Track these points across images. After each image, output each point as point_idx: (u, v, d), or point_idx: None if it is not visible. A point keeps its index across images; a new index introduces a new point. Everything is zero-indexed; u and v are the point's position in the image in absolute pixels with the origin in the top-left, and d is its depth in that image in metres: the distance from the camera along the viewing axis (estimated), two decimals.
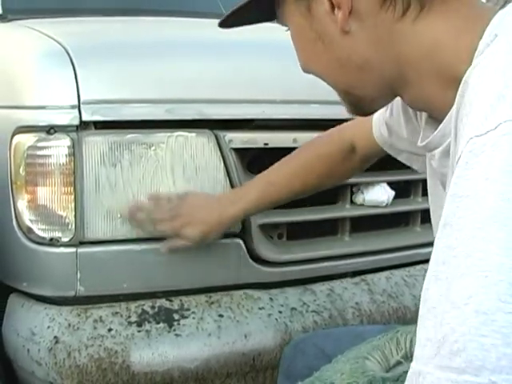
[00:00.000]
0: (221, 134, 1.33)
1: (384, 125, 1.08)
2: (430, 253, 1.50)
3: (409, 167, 1.59)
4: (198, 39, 1.46)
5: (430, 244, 1.51)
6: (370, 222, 1.56)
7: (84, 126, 1.27)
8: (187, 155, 1.31)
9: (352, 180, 1.50)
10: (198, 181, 1.32)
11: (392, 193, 1.53)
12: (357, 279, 1.51)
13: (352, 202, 1.52)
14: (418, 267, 1.59)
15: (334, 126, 1.42)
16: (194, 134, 1.32)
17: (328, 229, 1.52)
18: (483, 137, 0.57)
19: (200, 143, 1.32)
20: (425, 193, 1.60)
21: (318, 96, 1.41)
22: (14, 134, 1.30)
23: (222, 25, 0.92)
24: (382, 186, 1.52)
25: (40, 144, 1.27)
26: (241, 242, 1.38)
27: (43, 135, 1.27)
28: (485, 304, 0.53)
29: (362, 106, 0.85)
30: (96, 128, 1.29)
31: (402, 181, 1.57)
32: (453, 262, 0.56)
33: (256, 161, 1.41)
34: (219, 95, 1.34)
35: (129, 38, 1.42)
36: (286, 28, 0.86)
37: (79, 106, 1.26)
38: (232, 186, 1.35)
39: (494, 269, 0.53)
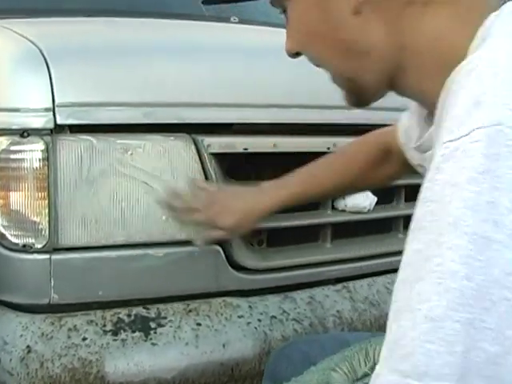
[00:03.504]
0: (199, 138, 1.29)
1: (404, 131, 1.05)
2: None
3: None
4: (178, 41, 1.41)
5: None
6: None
7: (59, 129, 1.22)
8: (165, 160, 1.27)
9: None
10: (176, 186, 1.28)
11: (374, 198, 1.49)
12: (338, 286, 1.47)
13: (333, 207, 1.48)
14: None
15: (315, 131, 1.38)
16: (171, 139, 1.27)
17: (309, 235, 1.48)
18: (455, 142, 0.56)
19: (178, 148, 1.28)
20: (408, 198, 1.57)
21: (298, 100, 1.38)
22: None
23: (206, 1, 0.88)
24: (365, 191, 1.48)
25: (13, 148, 1.22)
26: (219, 248, 1.34)
27: (16, 138, 1.22)
28: (435, 310, 0.53)
29: (360, 95, 0.81)
30: (71, 132, 1.24)
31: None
32: (415, 265, 0.56)
33: (236, 166, 1.38)
34: (198, 99, 1.29)
35: (107, 40, 1.37)
36: (278, 10, 0.82)
37: (54, 108, 1.21)
38: None
39: (448, 276, 0.53)
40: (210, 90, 1.31)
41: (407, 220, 1.60)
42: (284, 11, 0.81)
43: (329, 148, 1.39)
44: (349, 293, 1.46)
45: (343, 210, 1.48)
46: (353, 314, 1.42)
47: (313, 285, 1.46)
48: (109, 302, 1.30)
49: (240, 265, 1.36)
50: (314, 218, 1.46)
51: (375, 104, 1.47)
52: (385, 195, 1.54)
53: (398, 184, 1.55)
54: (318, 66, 0.81)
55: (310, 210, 1.48)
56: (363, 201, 1.47)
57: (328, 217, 1.46)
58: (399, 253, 1.53)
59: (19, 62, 1.27)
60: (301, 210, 1.46)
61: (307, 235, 1.48)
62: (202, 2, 0.89)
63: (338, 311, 1.41)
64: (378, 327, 1.44)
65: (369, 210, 1.48)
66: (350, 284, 1.48)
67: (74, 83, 1.24)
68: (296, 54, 0.83)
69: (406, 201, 1.57)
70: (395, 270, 1.53)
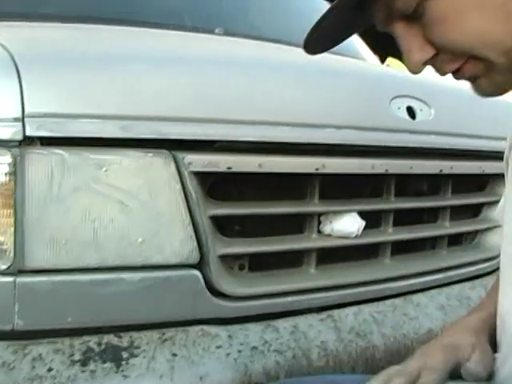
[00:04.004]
0: (180, 155, 1.18)
1: None
2: (400, 287, 1.37)
3: (379, 195, 1.48)
4: (160, 51, 1.30)
5: (401, 278, 1.39)
6: (338, 253, 1.43)
7: (28, 141, 1.11)
8: (142, 177, 1.16)
9: (319, 208, 1.36)
10: (153, 206, 1.17)
11: (362, 223, 1.39)
12: (323, 315, 1.36)
13: (319, 231, 1.38)
14: (388, 302, 1.45)
15: (303, 151, 1.29)
16: (150, 155, 1.17)
17: (293, 260, 1.38)
18: None
19: (157, 165, 1.17)
20: (396, 223, 1.48)
21: (287, 117, 1.28)
22: None
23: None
24: (352, 215, 1.38)
25: None
26: (198, 273, 1.23)
27: None
28: None
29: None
30: (41, 144, 1.12)
31: (372, 210, 1.44)
32: None
33: (217, 185, 1.27)
34: (179, 113, 1.18)
35: (83, 47, 1.26)
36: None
37: (23, 118, 1.10)
38: (190, 212, 1.20)
39: None
40: (193, 104, 1.21)
41: (395, 246, 1.53)
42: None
43: (317, 169, 1.29)
44: (334, 322, 1.35)
45: (329, 235, 1.38)
46: (338, 345, 1.31)
47: (296, 313, 1.35)
48: (78, 329, 1.18)
49: (220, 291, 1.25)
50: (299, 242, 1.35)
51: (368, 124, 1.39)
52: (372, 219, 1.44)
53: (386, 208, 1.46)
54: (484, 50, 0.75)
55: (294, 233, 1.38)
56: (351, 225, 1.37)
57: (313, 241, 1.36)
58: (386, 280, 1.46)
59: None
60: (285, 233, 1.36)
61: (291, 260, 1.38)
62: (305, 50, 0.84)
63: (322, 342, 1.31)
64: (365, 359, 1.34)
65: (356, 236, 1.38)
66: (335, 313, 1.38)
67: (46, 92, 1.13)
68: (424, 64, 0.79)
69: (394, 225, 1.48)
70: (382, 298, 1.47)
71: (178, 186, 1.18)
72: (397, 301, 1.46)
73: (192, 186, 1.19)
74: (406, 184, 1.54)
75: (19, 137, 1.10)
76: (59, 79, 1.14)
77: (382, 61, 2.61)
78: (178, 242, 1.19)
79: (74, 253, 1.14)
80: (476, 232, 1.71)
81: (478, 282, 1.64)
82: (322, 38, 0.85)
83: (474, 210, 1.73)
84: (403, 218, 1.53)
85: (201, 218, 1.20)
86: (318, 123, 1.30)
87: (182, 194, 1.19)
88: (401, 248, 1.52)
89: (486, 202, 1.71)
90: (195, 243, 1.21)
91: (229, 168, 1.21)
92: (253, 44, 1.62)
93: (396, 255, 1.50)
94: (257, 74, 1.30)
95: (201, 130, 1.20)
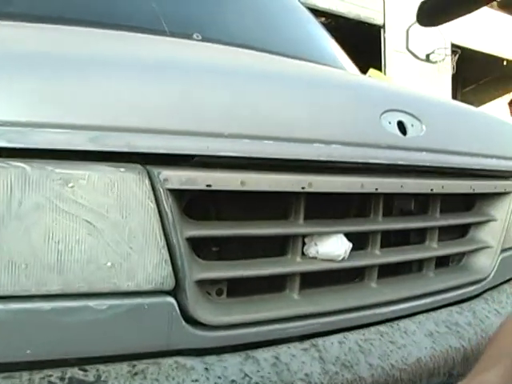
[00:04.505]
0: (155, 170, 1.05)
1: None
2: (386, 313, 1.24)
3: (367, 215, 1.36)
4: (134, 57, 1.16)
5: (388, 303, 1.26)
6: (322, 277, 1.30)
7: None
8: (112, 195, 1.02)
9: (304, 229, 1.24)
10: (125, 227, 1.03)
11: (349, 245, 1.27)
12: (306, 344, 1.23)
13: (303, 254, 1.25)
14: (374, 329, 1.33)
15: (289, 168, 1.16)
16: (121, 170, 1.03)
17: (275, 284, 1.25)
18: None
19: (129, 181, 1.03)
20: (384, 244, 1.36)
21: (271, 131, 1.15)
22: None
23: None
24: (339, 237, 1.26)
25: None
26: (173, 300, 1.09)
27: None
28: None
29: None
30: (1, 156, 0.99)
31: (359, 232, 1.32)
32: None
33: (194, 203, 1.14)
34: (154, 124, 1.05)
35: (50, 50, 1.11)
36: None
37: None
38: (165, 233, 1.06)
39: None
40: (169, 115, 1.07)
41: (381, 268, 1.41)
42: None
43: (303, 188, 1.17)
44: (318, 352, 1.22)
45: (314, 257, 1.25)
46: (323, 378, 1.18)
47: (277, 342, 1.22)
48: (39, 361, 1.04)
49: (196, 319, 1.11)
50: (282, 266, 1.22)
51: (358, 140, 1.27)
52: (358, 241, 1.32)
53: (374, 229, 1.34)
54: None
55: (276, 255, 1.25)
56: (338, 248, 1.25)
57: (297, 265, 1.23)
58: (373, 306, 1.34)
59: None
60: (266, 254, 1.23)
61: (272, 284, 1.25)
62: (418, 22, 0.73)
63: (306, 374, 1.18)
64: None
65: (343, 259, 1.26)
66: (319, 341, 1.25)
67: (6, 98, 0.99)
68: None
69: (382, 246, 1.36)
70: (367, 325, 1.34)
71: (153, 205, 1.05)
72: (383, 327, 1.34)
73: (168, 204, 1.05)
74: (392, 203, 1.43)
75: None
76: (22, 84, 1.00)
77: (362, 71, 2.51)
78: (151, 267, 1.06)
79: (35, 278, 1.00)
80: (463, 253, 1.60)
81: (465, 305, 1.53)
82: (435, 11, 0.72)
83: (461, 231, 1.62)
84: (389, 239, 1.41)
85: (177, 239, 1.07)
86: (305, 138, 1.18)
87: (157, 214, 1.05)
88: (387, 271, 1.40)
89: (473, 222, 1.60)
90: (170, 268, 1.07)
91: (208, 185, 1.08)
92: (234, 51, 1.49)
93: (382, 278, 1.38)
94: (239, 84, 1.17)
95: (177, 143, 1.07)
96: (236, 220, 1.19)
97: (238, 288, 1.21)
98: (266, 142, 1.13)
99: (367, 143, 1.25)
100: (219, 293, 1.19)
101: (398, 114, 1.33)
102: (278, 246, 1.24)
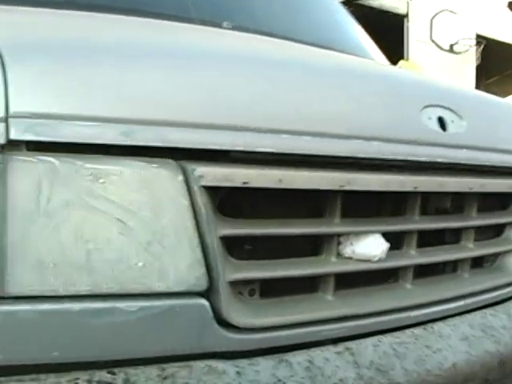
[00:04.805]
0: (189, 167, 0.98)
1: None
2: (421, 316, 1.17)
3: (403, 214, 1.30)
4: (170, 46, 1.09)
5: (422, 305, 1.20)
6: (356, 278, 1.24)
7: (12, 146, 0.91)
8: (144, 192, 0.96)
9: (341, 229, 1.17)
10: (157, 225, 0.97)
11: (386, 245, 1.20)
12: (340, 347, 1.17)
13: (339, 253, 1.19)
14: (408, 332, 1.26)
15: (327, 165, 1.10)
16: (154, 166, 0.97)
17: (307, 285, 1.19)
18: None
19: (162, 177, 0.97)
20: (420, 244, 1.29)
21: (311, 126, 1.09)
22: None
23: None
24: (376, 236, 1.20)
25: None
26: (205, 302, 1.03)
27: None
28: None
29: None
30: (28, 150, 0.93)
31: (396, 231, 1.26)
32: None
33: (227, 201, 1.08)
34: (189, 118, 0.99)
35: (82, 38, 1.04)
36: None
37: (7, 119, 0.90)
38: (199, 232, 1.00)
39: None
40: (206, 108, 1.01)
41: (416, 269, 1.34)
42: None
43: (342, 186, 1.10)
44: (352, 356, 1.16)
45: (349, 258, 1.19)
46: None
47: (310, 345, 1.16)
48: (65, 364, 0.98)
49: (229, 322, 1.05)
50: (316, 266, 1.16)
51: (398, 136, 1.20)
52: (393, 241, 1.25)
53: (410, 229, 1.27)
54: None
55: (309, 255, 1.18)
56: (375, 248, 1.18)
57: (332, 265, 1.17)
58: (408, 308, 1.27)
59: None
60: (299, 254, 1.17)
61: (306, 285, 1.18)
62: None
63: (340, 380, 1.12)
64: None
65: (380, 259, 1.19)
66: (353, 345, 1.18)
67: (35, 88, 0.93)
68: None
69: (418, 246, 1.29)
70: (401, 328, 1.28)
71: (186, 203, 0.98)
72: (417, 330, 1.27)
73: (202, 202, 0.99)
74: (428, 201, 1.36)
75: (2, 140, 0.90)
76: (52, 74, 0.94)
77: (393, 63, 2.43)
78: (183, 267, 1.00)
79: (64, 278, 0.94)
80: (498, 254, 1.53)
81: (499, 308, 1.46)
82: None
83: (496, 230, 1.55)
84: (424, 239, 1.34)
85: (211, 238, 1.01)
86: (344, 134, 1.11)
87: (191, 212, 0.99)
88: (421, 271, 1.33)
89: (509, 221, 1.52)
90: (203, 268, 1.01)
91: (245, 183, 1.02)
92: (267, 41, 1.42)
93: (416, 279, 1.31)
94: (279, 76, 1.10)
95: (213, 138, 1.00)
96: (269, 218, 1.13)
97: (270, 288, 1.15)
98: (304, 137, 1.07)
99: (407, 140, 1.19)
100: (252, 293, 1.13)
101: (439, 110, 1.26)
102: (312, 245, 1.18)
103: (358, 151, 1.12)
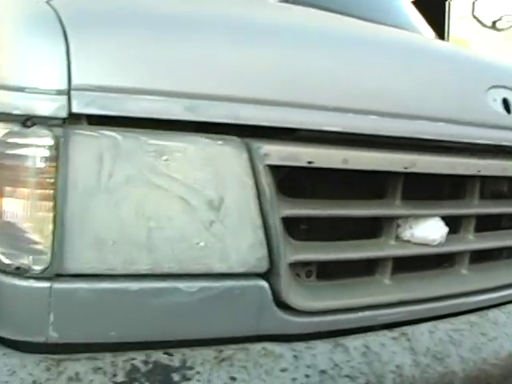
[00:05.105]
0: (254, 144, 0.94)
1: None
2: (476, 302, 1.12)
3: (462, 198, 1.24)
4: (240, 20, 1.03)
5: (478, 291, 1.15)
6: (413, 262, 1.19)
7: (74, 119, 0.87)
8: (209, 170, 0.92)
9: (401, 211, 1.12)
10: (220, 204, 0.93)
11: (446, 229, 1.15)
12: (395, 333, 1.13)
13: (397, 237, 1.14)
14: (463, 319, 1.22)
15: (391, 146, 1.04)
16: (219, 143, 0.92)
17: (365, 268, 1.14)
18: None
19: (227, 155, 0.92)
20: (478, 228, 1.24)
21: (377, 105, 1.03)
22: None
23: None
24: (436, 220, 1.15)
25: (11, 139, 0.87)
26: (265, 284, 0.99)
27: (16, 127, 0.86)
28: None
29: None
30: (90, 124, 0.88)
31: (455, 215, 1.20)
32: None
33: (287, 180, 1.03)
34: (256, 94, 0.94)
35: (149, 7, 0.99)
36: None
37: (69, 92, 0.86)
38: (262, 212, 0.96)
39: None
40: (272, 85, 0.96)
41: (473, 254, 1.29)
42: None
43: (406, 167, 1.05)
44: (408, 342, 1.12)
45: (408, 241, 1.14)
46: (414, 371, 1.08)
47: (365, 329, 1.12)
48: (122, 343, 0.94)
49: (287, 304, 1.01)
50: (375, 249, 1.11)
51: (462, 117, 1.14)
52: (451, 225, 1.20)
53: (469, 213, 1.22)
54: None
55: (367, 237, 1.14)
56: (434, 232, 1.14)
57: (391, 249, 1.12)
58: (463, 294, 1.22)
59: (27, 25, 0.90)
60: (356, 236, 1.12)
61: (363, 267, 1.14)
62: None
63: (397, 366, 1.07)
64: None
65: (439, 243, 1.14)
66: (409, 330, 1.14)
67: (98, 60, 0.88)
68: None
69: (476, 231, 1.24)
70: (457, 314, 1.23)
71: (251, 182, 0.94)
72: (473, 317, 1.22)
73: (266, 181, 0.94)
74: (486, 185, 1.30)
75: (63, 114, 0.86)
76: (116, 45, 0.90)
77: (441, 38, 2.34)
78: (245, 248, 0.95)
79: (123, 256, 0.90)
80: None
81: None
82: None
83: None
84: (481, 224, 1.29)
85: (273, 219, 0.96)
86: (409, 114, 1.06)
87: (254, 191, 0.94)
88: (478, 257, 1.28)
89: None
90: (265, 249, 0.97)
91: (310, 162, 0.97)
92: (340, 19, 1.36)
93: (473, 265, 1.26)
94: (345, 54, 1.05)
95: (279, 116, 0.96)
96: (329, 198, 1.08)
97: (327, 270, 1.10)
98: (370, 116, 1.01)
99: (472, 122, 1.13)
100: (308, 275, 1.09)
101: (503, 91, 1.20)
102: (371, 228, 1.13)
103: (423, 132, 1.06)
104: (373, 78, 1.04)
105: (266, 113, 0.94)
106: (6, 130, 0.87)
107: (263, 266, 0.97)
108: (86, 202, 0.88)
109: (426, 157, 1.08)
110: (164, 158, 0.89)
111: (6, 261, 0.89)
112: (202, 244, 0.93)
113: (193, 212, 0.92)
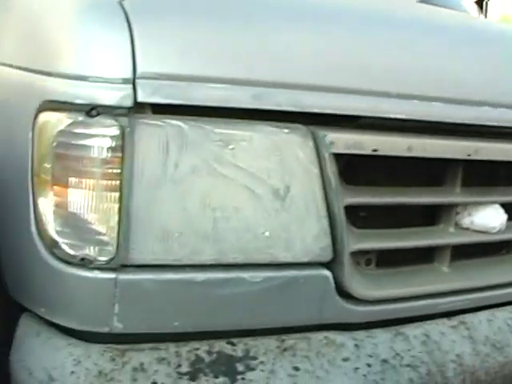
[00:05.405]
0: (320, 133, 0.91)
1: None
2: None
3: None
4: (306, 5, 1.00)
5: None
6: (471, 250, 1.16)
7: (139, 108, 0.85)
8: (275, 159, 0.89)
9: (461, 199, 1.09)
10: (286, 194, 0.90)
11: (505, 216, 1.12)
12: (454, 321, 1.10)
13: (456, 224, 1.11)
14: None
15: (455, 133, 1.01)
16: (285, 131, 0.90)
17: (423, 255, 1.12)
18: None
19: (292, 143, 0.90)
20: None
21: (443, 92, 1.00)
22: (39, 111, 0.87)
23: None
24: (495, 207, 1.12)
25: (76, 129, 0.85)
26: (328, 273, 0.97)
27: (81, 117, 0.84)
28: None
29: None
30: (155, 113, 0.86)
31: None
32: None
33: (349, 167, 1.00)
34: (321, 81, 0.91)
35: None
36: None
37: (134, 80, 0.83)
38: (327, 201, 0.93)
39: None
40: (336, 71, 0.93)
41: None
42: None
43: (469, 155, 1.02)
44: (467, 330, 1.10)
45: (467, 228, 1.11)
46: (474, 360, 1.06)
47: (424, 318, 1.09)
48: (185, 333, 0.93)
49: (349, 293, 0.99)
50: (435, 237, 1.09)
51: None
52: (508, 212, 1.17)
53: None
54: None
55: (425, 225, 1.11)
56: (494, 219, 1.11)
57: (449, 236, 1.09)
58: None
59: (90, 14, 0.88)
60: (418, 224, 1.10)
61: (421, 255, 1.11)
62: None
63: (457, 355, 1.05)
64: (503, 376, 1.09)
65: (499, 231, 1.11)
66: (467, 318, 1.12)
67: (162, 47, 0.86)
68: None
69: None
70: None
71: (316, 170, 0.92)
72: None
73: (331, 170, 0.92)
74: None
75: (129, 103, 0.84)
76: (181, 31, 0.87)
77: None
78: (310, 237, 0.93)
79: (189, 247, 0.89)
80: None
81: None
82: None
83: None
84: None
85: (338, 208, 0.94)
86: (473, 100, 1.02)
87: (320, 180, 0.92)
88: None
89: None
90: (329, 238, 0.95)
91: (374, 150, 0.94)
92: (403, 2, 1.32)
93: None
94: (408, 40, 1.01)
95: (344, 103, 0.93)
96: (387, 185, 1.05)
97: (385, 258, 1.08)
98: (434, 103, 0.98)
99: None
100: (368, 263, 1.06)
101: None
102: (430, 215, 1.10)
103: (486, 118, 1.03)
104: (437, 64, 1.01)
105: (330, 100, 0.91)
106: (70, 120, 0.85)
107: (327, 256, 0.95)
108: (152, 192, 0.86)
109: (489, 143, 1.05)
110: (230, 147, 0.87)
111: (71, 252, 0.87)
112: (267, 234, 0.91)
113: (258, 201, 0.90)
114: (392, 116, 0.95)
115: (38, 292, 0.93)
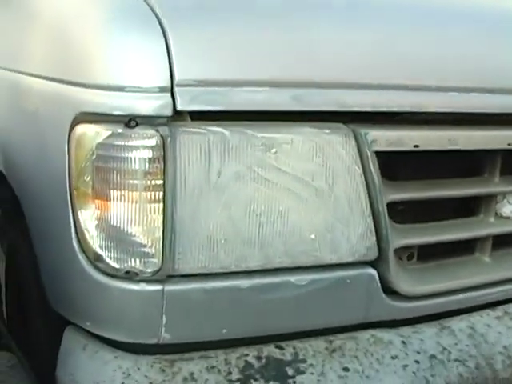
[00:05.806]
0: (361, 131, 0.88)
1: None
2: None
3: None
4: (339, 3, 0.97)
5: None
6: (508, 238, 1.14)
7: (179, 117, 0.82)
8: (318, 160, 0.87)
9: (501, 188, 1.07)
10: (330, 195, 0.88)
11: None
12: (498, 312, 1.08)
13: (497, 213, 1.09)
14: None
15: (494, 123, 0.99)
16: (326, 132, 0.87)
17: (464, 246, 1.09)
18: None
19: (335, 144, 0.87)
20: None
21: (478, 82, 0.97)
22: (75, 123, 0.85)
23: None
24: None
25: (115, 141, 0.82)
26: (374, 271, 0.95)
27: (120, 129, 0.82)
28: None
29: None
30: (195, 120, 0.84)
31: None
32: None
33: (387, 164, 0.98)
34: (361, 78, 0.89)
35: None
36: None
37: (172, 88, 0.81)
38: (370, 200, 0.91)
39: None
40: (373, 67, 0.90)
41: None
42: None
43: (510, 144, 1.00)
44: None
45: (507, 217, 1.09)
46: None
47: (467, 310, 1.07)
48: (233, 340, 0.91)
49: (395, 290, 0.97)
50: (476, 228, 1.06)
51: None
52: None
53: None
54: None
55: (464, 216, 1.09)
56: None
57: (490, 226, 1.07)
58: None
59: (123, 23, 0.85)
60: (457, 215, 1.07)
61: (461, 246, 1.09)
62: None
63: (504, 347, 1.03)
64: None
65: None
66: (511, 309, 1.10)
67: (198, 54, 0.83)
68: None
69: None
70: None
71: (359, 170, 0.89)
72: None
73: (374, 168, 0.90)
74: None
75: (168, 112, 0.81)
76: (215, 35, 0.84)
77: None
78: (355, 237, 0.91)
79: (235, 254, 0.87)
80: None
81: None
82: None
83: None
84: None
85: (382, 206, 0.92)
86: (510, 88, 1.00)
87: (363, 179, 0.90)
88: None
89: None
90: (374, 237, 0.93)
91: (416, 146, 0.92)
92: None
93: None
94: (444, 30, 0.98)
95: (383, 100, 0.90)
96: (426, 179, 1.03)
97: (427, 251, 1.06)
98: (472, 94, 0.96)
99: None
100: (410, 258, 1.04)
101: None
102: (469, 206, 1.08)
103: None
104: (475, 54, 0.98)
105: (370, 98, 0.89)
106: (109, 132, 0.82)
107: (373, 254, 0.93)
108: (196, 201, 0.83)
109: None
110: (273, 151, 0.85)
111: (116, 265, 0.85)
112: (312, 236, 0.89)
113: (303, 204, 0.87)
114: (432, 110, 0.92)
115: (83, 306, 0.91)
